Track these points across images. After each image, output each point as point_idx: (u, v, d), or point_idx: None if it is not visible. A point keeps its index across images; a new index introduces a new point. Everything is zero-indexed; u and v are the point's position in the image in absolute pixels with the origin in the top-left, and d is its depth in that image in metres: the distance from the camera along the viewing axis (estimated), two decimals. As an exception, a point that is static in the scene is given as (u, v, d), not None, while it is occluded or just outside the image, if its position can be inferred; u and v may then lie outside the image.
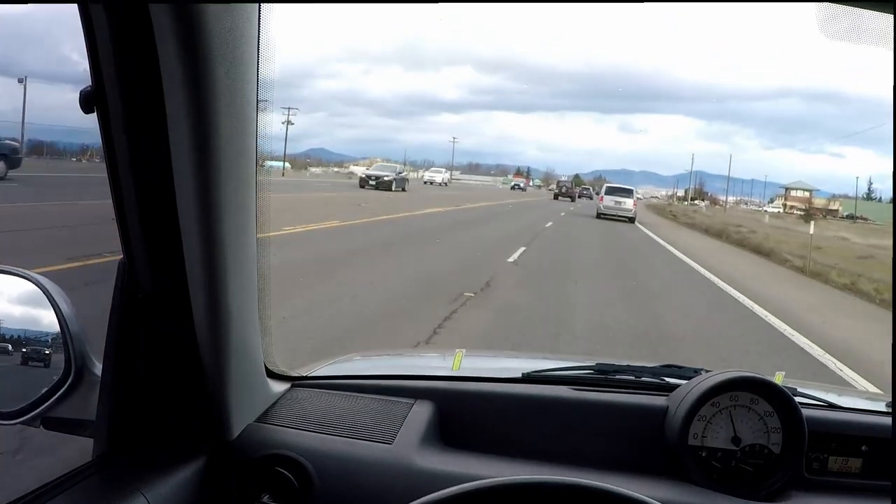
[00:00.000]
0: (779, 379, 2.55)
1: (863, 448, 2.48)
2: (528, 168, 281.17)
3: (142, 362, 1.84)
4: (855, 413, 2.73)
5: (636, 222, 46.29)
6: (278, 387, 2.37)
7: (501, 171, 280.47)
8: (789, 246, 31.18)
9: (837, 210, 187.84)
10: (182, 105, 1.55)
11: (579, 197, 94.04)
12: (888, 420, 2.64)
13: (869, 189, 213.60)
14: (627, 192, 53.04)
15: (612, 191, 53.53)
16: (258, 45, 1.75)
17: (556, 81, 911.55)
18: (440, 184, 75.16)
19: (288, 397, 2.36)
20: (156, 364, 1.86)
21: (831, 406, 2.68)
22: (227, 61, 1.59)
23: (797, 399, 2.46)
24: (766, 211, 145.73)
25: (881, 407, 2.87)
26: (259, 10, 1.68)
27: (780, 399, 2.36)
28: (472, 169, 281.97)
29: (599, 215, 49.19)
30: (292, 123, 23.24)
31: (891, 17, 1.50)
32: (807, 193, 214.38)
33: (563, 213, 48.93)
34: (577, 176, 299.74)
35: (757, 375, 2.37)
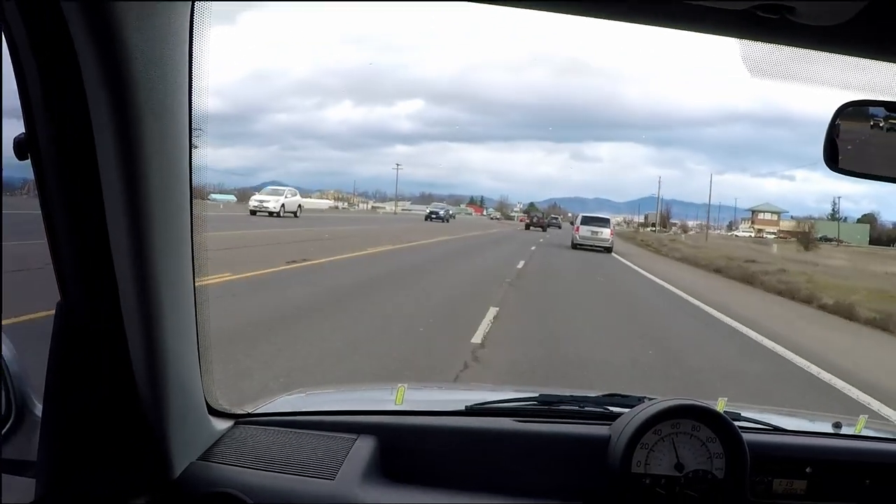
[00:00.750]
0: (721, 405, 2.57)
1: (807, 470, 2.53)
2: (482, 197, 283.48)
3: (82, 403, 1.83)
4: (799, 436, 2.80)
5: (614, 254, 45.25)
6: (221, 424, 2.33)
7: (454, 200, 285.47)
8: (862, 295, 24.21)
9: (809, 233, 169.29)
10: (113, 148, 1.59)
11: (549, 226, 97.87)
12: (832, 441, 2.72)
13: (834, 209, 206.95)
14: (604, 222, 51.85)
15: (588, 220, 51.96)
16: (190, 85, 1.80)
17: (507, 112, 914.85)
18: (275, 213, 52.44)
19: (231, 435, 2.31)
20: (96, 404, 1.85)
21: (775, 429, 2.74)
22: (157, 106, 1.66)
23: (741, 423, 2.54)
24: (736, 235, 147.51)
25: (826, 428, 2.90)
26: (190, 54, 1.78)
27: (720, 425, 2.37)
28: (425, 199, 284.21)
29: (575, 246, 48.53)
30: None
31: (817, 53, 1.72)
32: (774, 216, 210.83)
33: (533, 247, 45.70)
34: (531, 204, 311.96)
35: (697, 403, 2.39)
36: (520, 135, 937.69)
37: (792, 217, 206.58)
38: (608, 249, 47.22)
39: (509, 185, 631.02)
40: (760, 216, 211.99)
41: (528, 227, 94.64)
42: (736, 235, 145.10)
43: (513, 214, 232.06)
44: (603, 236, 48.97)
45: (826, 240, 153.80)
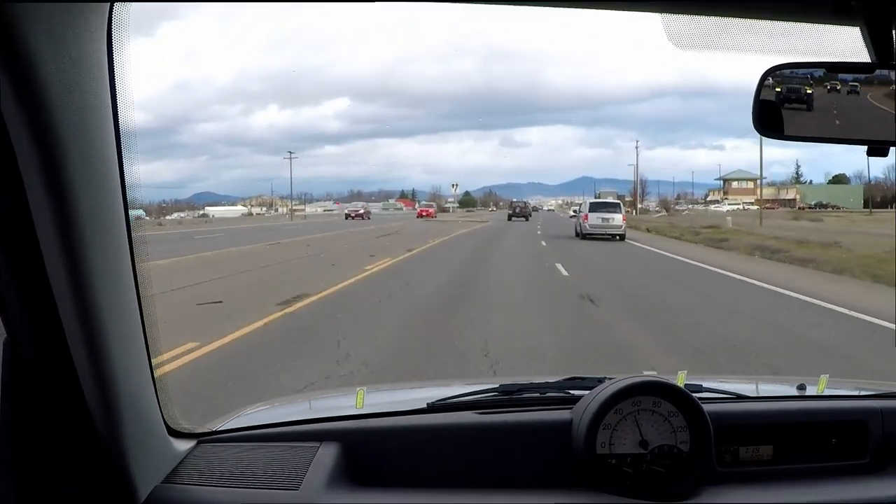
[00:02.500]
0: (681, 379, 2.70)
1: (773, 434, 2.60)
2: (413, 190, 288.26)
3: (35, 437, 1.86)
4: (762, 401, 2.94)
5: (670, 254, 35.17)
6: (183, 445, 2.39)
7: (384, 196, 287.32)
8: None
9: (795, 199, 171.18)
10: (40, 180, 1.62)
11: (521, 215, 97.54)
12: (795, 404, 2.86)
13: (797, 174, 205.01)
14: (614, 207, 48.61)
15: (596, 206, 48.37)
16: (114, 105, 1.85)
17: (434, 104, 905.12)
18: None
19: (194, 454, 2.38)
20: (52, 438, 1.89)
21: (738, 397, 2.83)
22: (80, 131, 1.70)
23: (703, 395, 2.64)
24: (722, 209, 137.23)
25: (790, 391, 3.07)
26: (111, 72, 1.81)
27: (681, 399, 2.46)
28: (355, 197, 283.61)
29: (585, 236, 45.17)
30: (125, 166, 1.95)
31: (740, 21, 1.80)
32: (750, 184, 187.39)
33: (531, 256, 33.28)
34: (467, 193, 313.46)
35: (655, 378, 2.50)
36: (449, 126, 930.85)
37: (774, 183, 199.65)
38: (622, 237, 44.38)
39: (442, 176, 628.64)
40: (734, 185, 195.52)
41: (510, 217, 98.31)
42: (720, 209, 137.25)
43: (447, 206, 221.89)
44: (615, 223, 45.66)
45: (822, 206, 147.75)
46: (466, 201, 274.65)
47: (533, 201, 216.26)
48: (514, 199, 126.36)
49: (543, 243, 39.24)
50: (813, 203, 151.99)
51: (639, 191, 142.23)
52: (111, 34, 1.74)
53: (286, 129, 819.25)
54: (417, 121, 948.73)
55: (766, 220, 65.80)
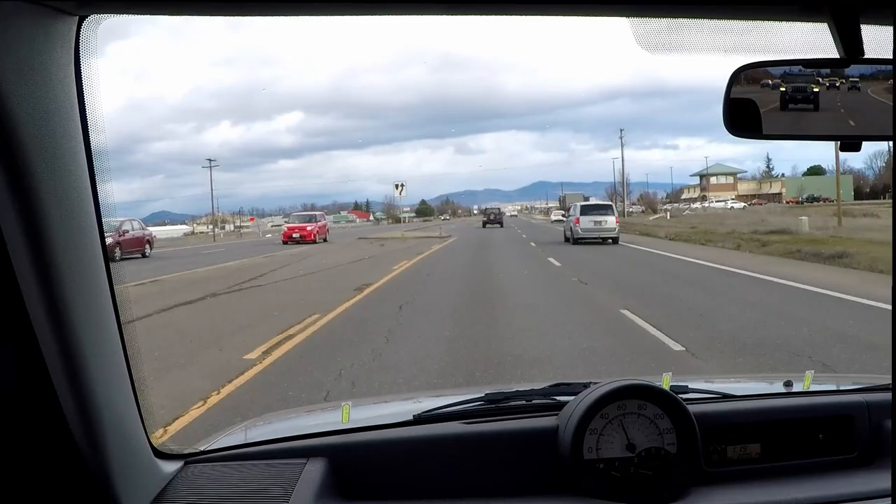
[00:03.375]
0: (666, 381, 2.72)
1: (760, 432, 2.65)
2: (367, 201, 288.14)
3: (19, 465, 1.85)
4: (748, 400, 2.93)
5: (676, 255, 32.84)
6: (169, 467, 2.40)
7: (338, 208, 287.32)
8: None
9: (781, 194, 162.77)
10: (12, 206, 1.61)
11: (495, 222, 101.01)
12: (782, 401, 2.87)
13: (769, 167, 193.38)
14: (606, 209, 47.38)
15: (588, 209, 47.25)
16: (85, 132, 1.85)
17: (388, 114, 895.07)
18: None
19: (182, 476, 2.40)
20: (35, 465, 1.87)
21: (724, 397, 2.88)
22: (49, 160, 1.68)
23: (689, 395, 2.71)
24: (708, 206, 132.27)
25: (777, 388, 3.11)
26: (80, 99, 1.82)
27: (666, 401, 2.51)
28: (309, 209, 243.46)
29: (577, 240, 44.31)
30: (99, 190, 1.87)
31: (709, 21, 1.79)
32: (730, 178, 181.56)
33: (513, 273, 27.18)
34: (423, 202, 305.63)
35: (639, 381, 2.55)
36: (403, 136, 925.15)
37: (761, 177, 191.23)
38: (615, 241, 44.36)
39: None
40: (713, 181, 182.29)
41: (485, 224, 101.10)
42: (704, 208, 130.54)
43: (403, 216, 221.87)
44: (609, 225, 44.58)
45: (813, 199, 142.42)
46: (423, 210, 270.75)
47: (491, 207, 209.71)
48: (488, 207, 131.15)
49: (556, 263, 30.98)
50: (805, 196, 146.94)
51: (622, 190, 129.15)
52: (79, 50, 1.74)
53: (240, 145, 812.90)
54: (371, 132, 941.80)
55: (813, 219, 53.06)
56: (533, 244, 47.72)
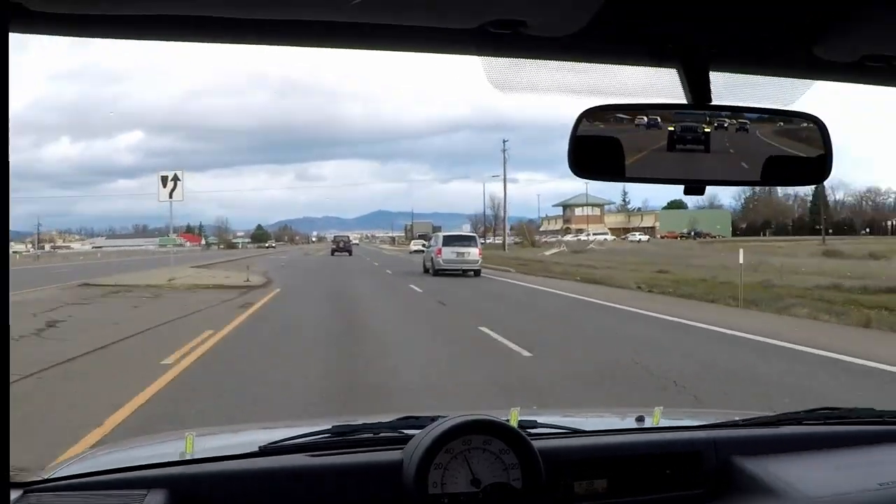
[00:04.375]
0: (514, 416, 2.74)
1: (607, 468, 2.68)
2: (200, 224, 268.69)
3: None
4: (597, 435, 2.95)
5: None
6: (9, 495, 2.37)
7: (174, 231, 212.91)
8: None
9: (654, 228, 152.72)
10: None
11: (344, 250, 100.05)
12: (631, 437, 2.91)
13: (625, 201, 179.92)
14: (469, 240, 47.10)
15: (451, 240, 46.31)
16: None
17: (229, 138, 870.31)
18: None
19: None
20: None
21: (574, 432, 2.90)
22: None
23: (538, 430, 2.76)
24: (591, 239, 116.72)
25: (626, 424, 3.20)
26: None
27: (510, 436, 2.53)
28: (139, 232, 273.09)
29: (438, 272, 43.80)
30: None
31: (559, 63, 1.82)
32: (597, 210, 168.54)
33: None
34: (259, 227, 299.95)
35: (484, 417, 2.58)
36: (243, 160, 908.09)
37: (621, 210, 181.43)
38: (476, 273, 44.30)
39: (237, 211, 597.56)
40: (578, 212, 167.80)
41: (333, 252, 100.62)
42: (591, 239, 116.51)
43: (236, 241, 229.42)
44: (471, 257, 44.33)
45: (698, 235, 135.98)
46: (259, 235, 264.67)
47: (329, 235, 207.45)
48: (337, 234, 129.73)
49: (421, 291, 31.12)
50: (689, 231, 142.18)
51: (492, 222, 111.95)
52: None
53: (79, 162, 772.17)
54: (212, 154, 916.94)
55: (715, 253, 55.15)
56: (389, 272, 48.40)
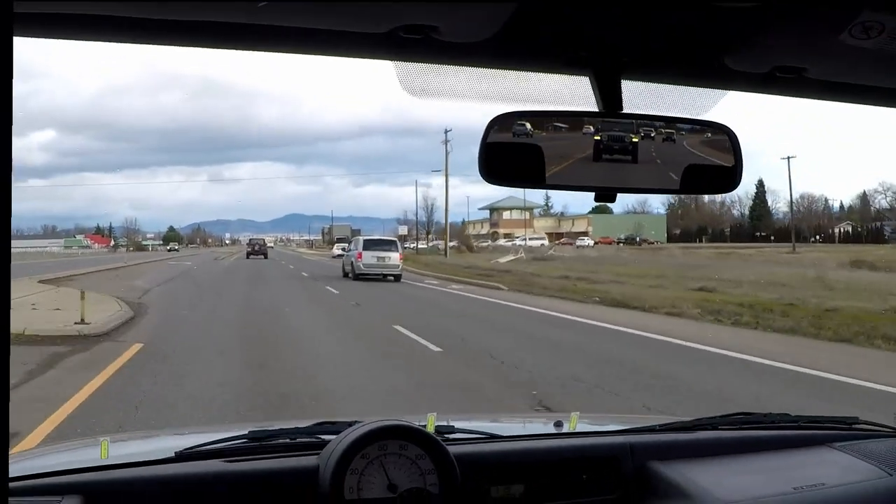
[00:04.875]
0: (431, 421, 2.82)
1: (523, 473, 2.72)
2: (110, 225, 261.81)
3: None
4: (514, 440, 3.00)
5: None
6: None
7: (80, 231, 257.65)
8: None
9: (588, 232, 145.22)
10: None
11: (259, 253, 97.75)
12: (548, 442, 2.94)
13: (547, 205, 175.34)
14: (390, 245, 46.78)
15: (371, 244, 45.91)
16: None
17: (142, 138, 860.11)
18: None
19: None
20: None
21: (491, 437, 2.95)
22: None
23: (455, 436, 2.81)
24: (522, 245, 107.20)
25: (544, 429, 3.23)
26: None
27: (426, 441, 2.55)
28: (48, 233, 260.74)
29: (358, 276, 43.50)
30: None
31: (471, 69, 1.82)
32: (526, 213, 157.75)
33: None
34: (171, 228, 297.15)
35: (399, 423, 2.61)
36: (157, 160, 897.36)
37: (544, 214, 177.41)
38: (397, 278, 44.13)
39: (150, 212, 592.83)
40: (506, 216, 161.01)
41: (248, 255, 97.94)
42: (522, 246, 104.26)
43: (146, 243, 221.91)
44: (392, 262, 44.01)
45: (631, 240, 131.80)
46: (170, 237, 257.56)
47: (244, 238, 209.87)
48: (252, 237, 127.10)
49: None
50: (623, 237, 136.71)
51: (423, 225, 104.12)
52: None
53: None
54: (125, 154, 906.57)
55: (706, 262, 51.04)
56: (305, 274, 47.03)
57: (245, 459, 2.57)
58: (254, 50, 1.77)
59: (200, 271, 57.73)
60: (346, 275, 46.08)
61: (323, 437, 2.70)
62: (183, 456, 2.57)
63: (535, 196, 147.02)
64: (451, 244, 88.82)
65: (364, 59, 1.83)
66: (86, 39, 1.71)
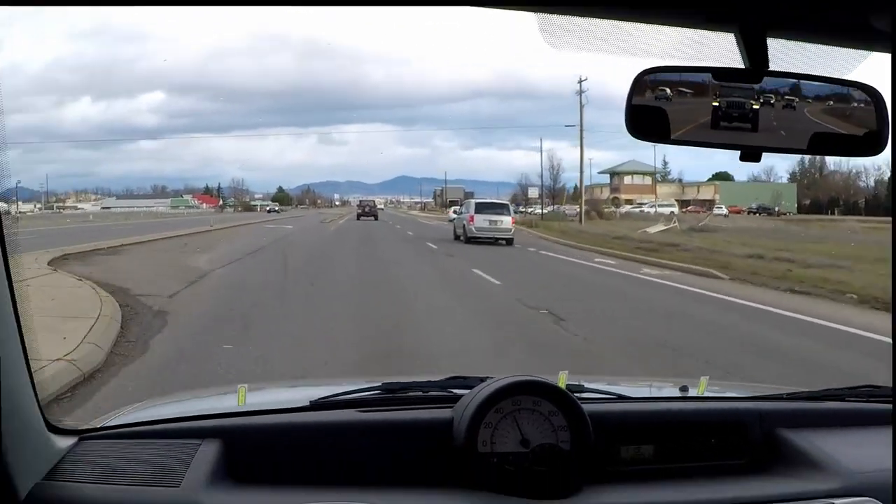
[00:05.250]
0: (562, 379, 2.80)
1: (654, 434, 2.73)
2: (219, 185, 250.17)
3: None
4: (643, 402, 3.06)
5: None
6: (64, 442, 2.44)
7: (189, 191, 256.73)
8: None
9: (713, 201, 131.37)
10: None
11: (369, 214, 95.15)
12: (677, 405, 2.95)
13: (665, 171, 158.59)
14: (503, 208, 45.90)
15: (482, 207, 44.83)
16: None
17: (252, 99, 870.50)
18: None
19: (76, 452, 2.43)
20: None
21: (619, 398, 2.99)
22: None
23: (584, 395, 2.81)
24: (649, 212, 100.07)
25: (672, 393, 3.22)
26: None
27: (560, 398, 2.57)
28: (158, 193, 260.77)
29: (470, 239, 42.75)
30: None
31: (615, 22, 1.78)
32: (647, 179, 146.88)
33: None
34: (280, 189, 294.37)
35: (534, 378, 2.62)
36: (266, 122, 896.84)
37: (663, 180, 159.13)
38: (509, 241, 43.16)
39: (259, 173, 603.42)
40: (627, 180, 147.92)
41: (359, 216, 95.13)
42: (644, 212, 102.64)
43: (255, 203, 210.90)
44: (504, 226, 43.16)
45: (764, 210, 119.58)
46: (280, 198, 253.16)
47: (353, 199, 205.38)
48: (362, 199, 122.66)
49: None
50: (756, 206, 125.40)
51: (546, 185, 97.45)
52: None
53: (100, 123, 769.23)
54: (234, 116, 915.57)
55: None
56: (434, 247, 38.73)
57: (379, 410, 2.65)
58: (369, 4, 1.76)
59: (298, 239, 46.70)
60: (457, 237, 45.77)
61: (455, 391, 2.76)
62: (318, 405, 2.65)
63: (650, 161, 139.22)
64: (574, 210, 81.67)
65: (506, 10, 1.77)
66: (190, 4, 1.77)
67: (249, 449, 2.46)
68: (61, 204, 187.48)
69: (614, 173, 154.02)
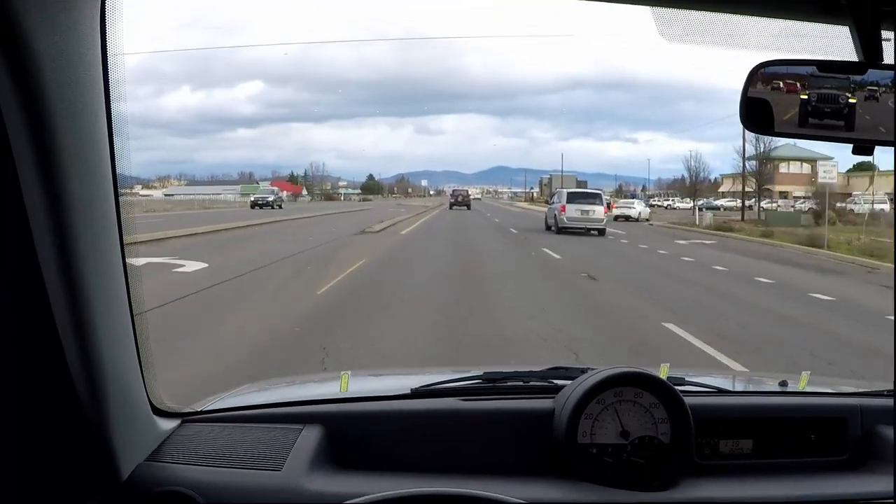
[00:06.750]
0: (663, 371, 2.87)
1: (753, 429, 2.74)
2: (305, 172, 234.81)
3: (20, 413, 1.88)
4: (743, 396, 3.12)
5: None
6: (167, 424, 2.54)
7: (277, 178, 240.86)
8: None
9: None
10: (31, 157, 1.59)
11: (462, 204, 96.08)
12: (777, 399, 2.97)
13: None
14: (595, 198, 45.13)
15: (575, 197, 44.42)
16: (106, 85, 1.85)
17: (349, 89, 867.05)
18: None
19: (179, 434, 2.54)
20: (35, 414, 1.91)
21: (720, 391, 3.02)
22: (71, 108, 1.68)
23: (685, 388, 2.83)
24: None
25: (771, 387, 3.26)
26: (104, 52, 1.81)
27: (662, 390, 2.59)
28: (244, 179, 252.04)
29: (561, 230, 42.92)
30: (116, 147, 1.83)
31: (728, 16, 1.82)
32: (807, 166, 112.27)
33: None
34: (370, 177, 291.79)
35: (637, 370, 2.65)
36: (363, 111, 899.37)
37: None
38: (601, 232, 43.74)
39: (356, 162, 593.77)
40: (782, 169, 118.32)
41: (452, 205, 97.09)
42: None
43: (338, 193, 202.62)
44: (596, 216, 43.03)
45: None
46: (369, 186, 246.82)
47: (448, 189, 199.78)
48: (456, 188, 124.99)
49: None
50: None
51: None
52: (104, 14, 1.84)
53: (198, 111, 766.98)
54: (331, 106, 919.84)
55: None
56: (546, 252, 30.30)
57: (480, 399, 2.69)
58: None
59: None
60: (548, 228, 45.97)
61: (556, 381, 2.82)
62: (419, 393, 2.71)
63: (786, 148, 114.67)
64: (652, 204, 77.74)
65: (623, 5, 1.84)
66: None
67: (350, 435, 2.52)
68: (128, 191, 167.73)
69: (768, 159, 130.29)
